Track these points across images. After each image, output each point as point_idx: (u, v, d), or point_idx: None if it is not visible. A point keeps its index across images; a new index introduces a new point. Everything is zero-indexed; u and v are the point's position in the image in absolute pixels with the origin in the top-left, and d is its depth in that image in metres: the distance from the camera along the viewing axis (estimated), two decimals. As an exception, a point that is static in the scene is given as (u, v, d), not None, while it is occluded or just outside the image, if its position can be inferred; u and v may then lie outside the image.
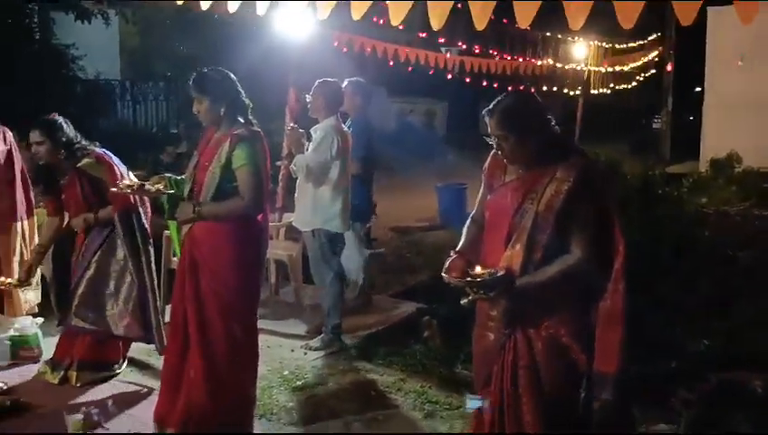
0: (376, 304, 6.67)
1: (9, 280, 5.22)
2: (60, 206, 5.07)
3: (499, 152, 3.16)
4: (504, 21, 8.98)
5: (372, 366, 5.31)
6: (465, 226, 3.48)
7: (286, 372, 5.17)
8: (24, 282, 5.25)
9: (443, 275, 3.12)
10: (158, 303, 5.00)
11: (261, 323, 4.35)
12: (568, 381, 3.12)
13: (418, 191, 12.42)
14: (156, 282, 5.06)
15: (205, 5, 5.33)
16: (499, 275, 3.01)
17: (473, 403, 4.06)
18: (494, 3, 4.11)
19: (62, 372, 4.91)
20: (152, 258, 5.06)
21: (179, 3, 5.87)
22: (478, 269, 3.06)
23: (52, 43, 12.85)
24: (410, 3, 4.41)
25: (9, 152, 5.43)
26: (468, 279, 3.02)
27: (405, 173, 13.78)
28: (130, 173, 5.01)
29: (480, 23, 4.31)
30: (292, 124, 5.91)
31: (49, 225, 5.19)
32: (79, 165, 4.88)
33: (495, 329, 3.19)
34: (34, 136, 4.83)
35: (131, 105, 15.63)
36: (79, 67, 13.17)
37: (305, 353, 5.54)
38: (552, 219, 3.04)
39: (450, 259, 3.24)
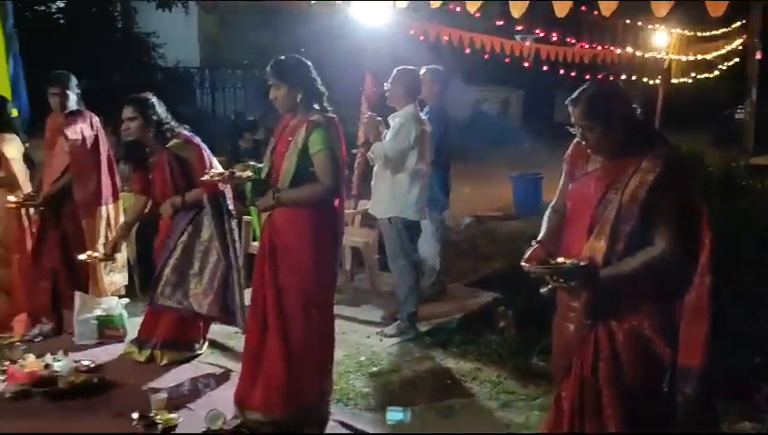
0: (451, 293, 6.66)
1: (96, 254, 5.35)
2: (147, 185, 5.18)
3: (583, 142, 3.11)
4: (583, 8, 8.80)
5: (447, 355, 5.31)
6: (546, 215, 3.45)
7: (362, 358, 5.22)
8: (110, 257, 5.37)
9: (523, 264, 3.10)
10: (242, 283, 5.06)
11: (337, 309, 4.40)
12: (650, 374, 3.07)
13: (493, 180, 12.32)
14: (241, 263, 5.14)
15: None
16: (582, 265, 2.98)
17: (393, 415, 4.09)
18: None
19: (148, 351, 5.06)
20: (237, 240, 5.17)
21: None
22: (560, 259, 3.03)
23: (133, 31, 13.17)
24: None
25: (96, 138, 5.59)
26: (550, 267, 2.99)
27: (479, 162, 13.69)
28: (214, 159, 5.11)
29: (561, 10, 4.27)
30: (369, 112, 5.93)
31: (135, 203, 5.33)
32: (168, 145, 4.98)
33: (576, 320, 3.15)
34: (127, 112, 4.94)
35: (210, 92, 15.88)
36: (159, 55, 13.47)
37: (381, 340, 5.57)
38: (637, 210, 2.98)
39: (531, 249, 3.21)
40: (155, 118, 4.97)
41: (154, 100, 5.03)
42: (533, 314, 5.14)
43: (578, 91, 3.11)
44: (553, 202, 3.44)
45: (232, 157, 7.68)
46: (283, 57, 4.15)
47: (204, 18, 15.65)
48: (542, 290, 3.08)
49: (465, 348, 5.38)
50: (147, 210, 5.34)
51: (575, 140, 3.24)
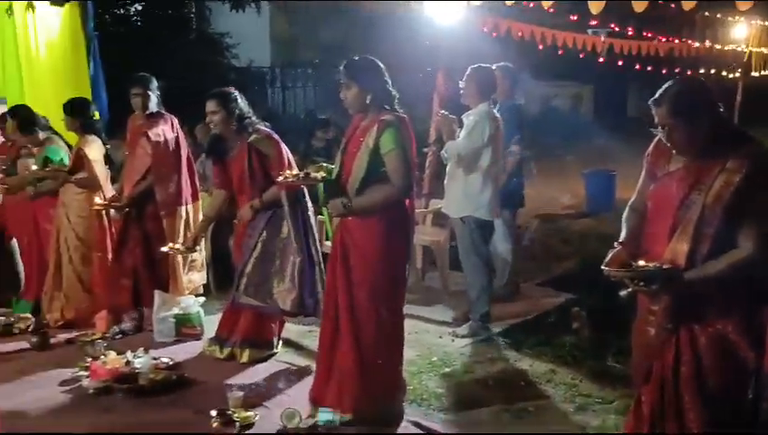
0: (523, 293, 6.61)
1: (178, 246, 5.45)
2: (227, 180, 5.22)
3: (668, 143, 3.03)
4: (660, 2, 8.60)
5: (521, 356, 5.26)
6: (625, 214, 3.37)
7: (435, 359, 5.20)
8: (191, 249, 5.46)
9: (603, 268, 3.04)
10: (323, 278, 4.98)
11: (408, 309, 4.41)
12: (734, 379, 2.99)
13: (564, 177, 12.15)
14: (321, 258, 5.14)
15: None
16: (664, 268, 2.91)
17: (323, 416, 4.03)
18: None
19: (228, 349, 5.14)
20: (316, 235, 5.19)
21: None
22: (641, 262, 2.97)
23: (207, 32, 13.39)
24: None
25: (176, 139, 5.69)
26: (632, 271, 2.93)
27: (550, 158, 13.51)
28: (291, 157, 5.14)
29: (639, 5, 4.19)
30: (441, 110, 5.90)
31: (215, 198, 5.40)
32: (249, 139, 5.01)
33: (657, 324, 3.08)
34: (210, 105, 5.00)
35: (281, 92, 16.01)
36: (233, 55, 13.65)
37: (453, 340, 5.55)
38: (721, 212, 2.89)
39: (612, 251, 3.15)
40: (237, 111, 5.00)
41: (236, 94, 5.07)
42: (608, 315, 5.05)
43: (661, 90, 3.02)
44: (632, 201, 3.36)
45: (304, 156, 7.75)
46: (355, 58, 4.18)
47: (275, 18, 15.81)
48: (622, 293, 3.02)
49: (539, 349, 5.32)
50: (226, 205, 5.39)
51: (656, 138, 3.16)
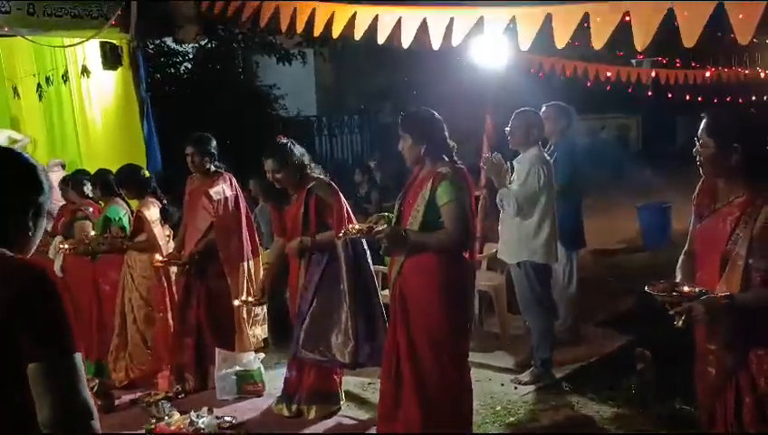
0: (583, 335, 6.49)
1: (250, 298, 5.49)
2: (285, 226, 5.21)
3: (699, 160, 3.08)
4: (706, 30, 8.50)
5: (586, 401, 5.17)
6: (679, 263, 3.35)
7: (498, 408, 5.14)
8: (261, 300, 5.48)
9: (646, 288, 3.00)
10: (385, 326, 4.87)
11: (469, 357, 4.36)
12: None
13: (616, 211, 12.00)
14: (380, 306, 5.09)
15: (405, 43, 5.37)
16: (705, 291, 2.90)
17: None
18: (705, 19, 3.94)
19: (295, 406, 5.11)
20: (375, 282, 5.14)
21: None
22: (685, 288, 2.98)
23: (255, 85, 13.62)
24: (614, 24, 4.30)
25: (236, 197, 5.76)
26: (673, 295, 2.93)
27: (600, 192, 13.33)
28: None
29: (689, 41, 4.13)
30: (491, 155, 5.86)
31: (276, 244, 5.43)
32: (309, 186, 5.01)
33: (716, 363, 3.06)
34: (269, 165, 5.00)
35: (328, 139, 16.16)
36: (280, 106, 13.85)
37: (515, 388, 5.47)
38: None
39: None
40: (296, 162, 5.00)
41: (290, 144, 5.06)
42: (674, 354, 4.92)
43: (708, 120, 3.09)
44: (686, 247, 3.35)
45: (354, 203, 7.80)
46: (412, 110, 4.24)
47: (320, 67, 16.03)
48: (677, 323, 2.95)
49: (604, 394, 5.22)
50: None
51: (702, 179, 3.21)
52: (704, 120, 3.06)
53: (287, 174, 5.00)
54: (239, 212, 5.77)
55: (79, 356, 1.94)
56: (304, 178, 5.02)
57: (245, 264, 5.74)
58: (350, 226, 4.57)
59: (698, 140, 3.07)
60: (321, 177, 5.10)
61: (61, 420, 1.89)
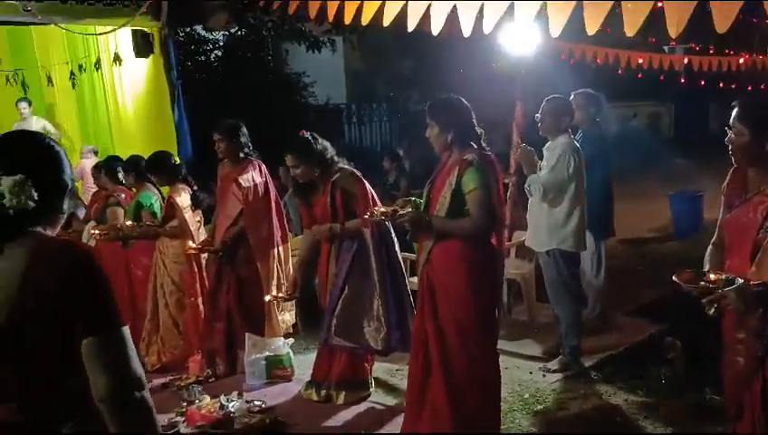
0: (612, 323, 6.44)
1: (280, 294, 5.54)
2: (314, 219, 5.24)
3: (730, 146, 3.04)
4: (740, 16, 8.37)
5: (615, 390, 5.14)
6: (707, 254, 3.32)
7: (526, 395, 5.13)
8: (292, 295, 5.51)
9: (673, 278, 2.95)
10: (413, 312, 4.87)
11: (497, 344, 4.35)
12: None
13: (647, 199, 11.89)
14: (408, 293, 5.12)
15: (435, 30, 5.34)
16: (738, 282, 2.83)
17: None
18: (739, 4, 3.89)
19: (324, 391, 5.15)
20: (402, 270, 5.16)
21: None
22: (712, 276, 2.94)
23: (285, 72, 13.66)
24: (647, 11, 4.25)
25: (265, 184, 5.79)
26: (700, 285, 2.88)
27: (631, 180, 13.22)
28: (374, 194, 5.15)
29: (722, 25, 4.08)
30: (521, 142, 5.84)
31: (305, 237, 5.45)
32: (333, 178, 5.03)
33: (745, 353, 3.03)
34: (290, 160, 5.04)
35: (357, 127, 16.17)
36: (310, 94, 13.87)
37: (544, 376, 5.46)
38: None
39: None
40: (317, 156, 5.02)
41: (311, 137, 5.06)
42: (705, 344, 4.88)
43: (740, 108, 3.06)
44: (714, 238, 3.32)
45: (383, 191, 7.81)
46: (440, 98, 4.22)
47: (350, 54, 16.03)
48: (710, 312, 2.90)
49: (633, 383, 5.18)
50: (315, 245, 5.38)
51: (732, 169, 3.18)
52: (736, 108, 3.03)
53: (307, 169, 5.04)
54: (268, 199, 5.80)
55: (127, 329, 2.02)
56: (327, 171, 5.05)
57: (275, 250, 5.79)
58: (376, 208, 4.60)
59: (731, 129, 3.05)
60: (345, 166, 5.11)
61: (118, 390, 1.96)
